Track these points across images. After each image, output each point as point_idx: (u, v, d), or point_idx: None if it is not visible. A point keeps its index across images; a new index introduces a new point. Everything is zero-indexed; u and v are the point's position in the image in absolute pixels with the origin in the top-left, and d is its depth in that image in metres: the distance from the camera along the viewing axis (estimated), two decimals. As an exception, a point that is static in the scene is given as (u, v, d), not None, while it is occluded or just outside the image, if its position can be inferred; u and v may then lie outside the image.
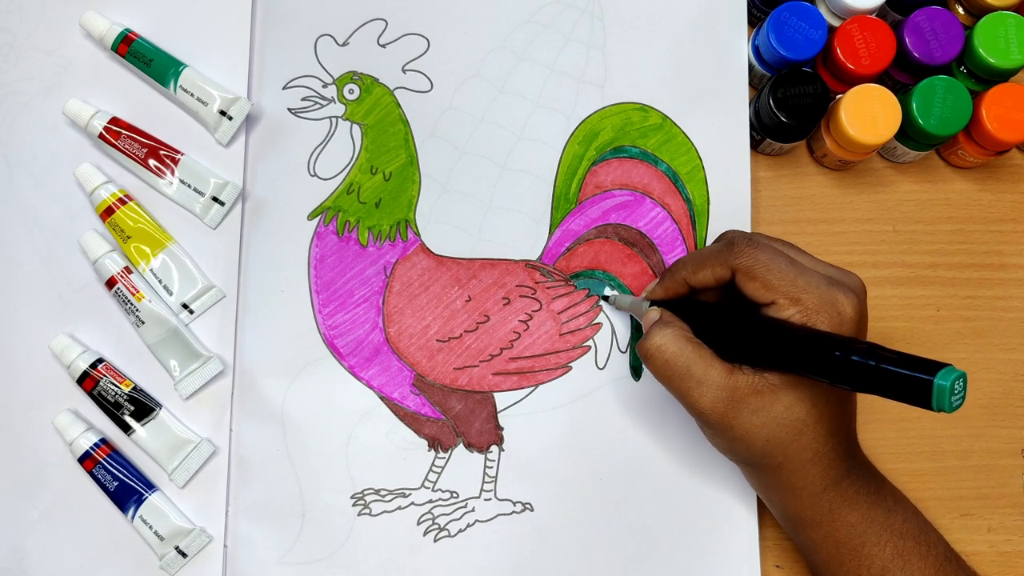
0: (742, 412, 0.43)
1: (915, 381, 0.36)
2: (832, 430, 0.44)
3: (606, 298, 0.54)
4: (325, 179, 0.55)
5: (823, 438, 0.44)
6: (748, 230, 0.55)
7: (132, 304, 0.53)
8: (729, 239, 0.47)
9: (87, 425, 0.52)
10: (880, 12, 0.56)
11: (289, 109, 0.55)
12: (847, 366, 0.39)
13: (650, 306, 0.49)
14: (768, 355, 0.43)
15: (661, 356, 0.45)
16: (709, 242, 0.55)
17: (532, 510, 0.53)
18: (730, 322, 0.45)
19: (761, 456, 0.45)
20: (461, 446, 0.54)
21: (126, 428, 0.52)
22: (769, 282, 0.44)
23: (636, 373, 0.54)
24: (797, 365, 0.41)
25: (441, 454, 0.54)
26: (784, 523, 0.49)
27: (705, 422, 0.45)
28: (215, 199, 0.54)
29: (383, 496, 0.53)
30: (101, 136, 0.54)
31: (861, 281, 0.46)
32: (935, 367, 0.36)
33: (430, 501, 0.53)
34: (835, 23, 0.55)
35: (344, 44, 0.56)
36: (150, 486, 0.52)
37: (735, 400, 0.43)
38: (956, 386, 0.36)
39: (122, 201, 0.54)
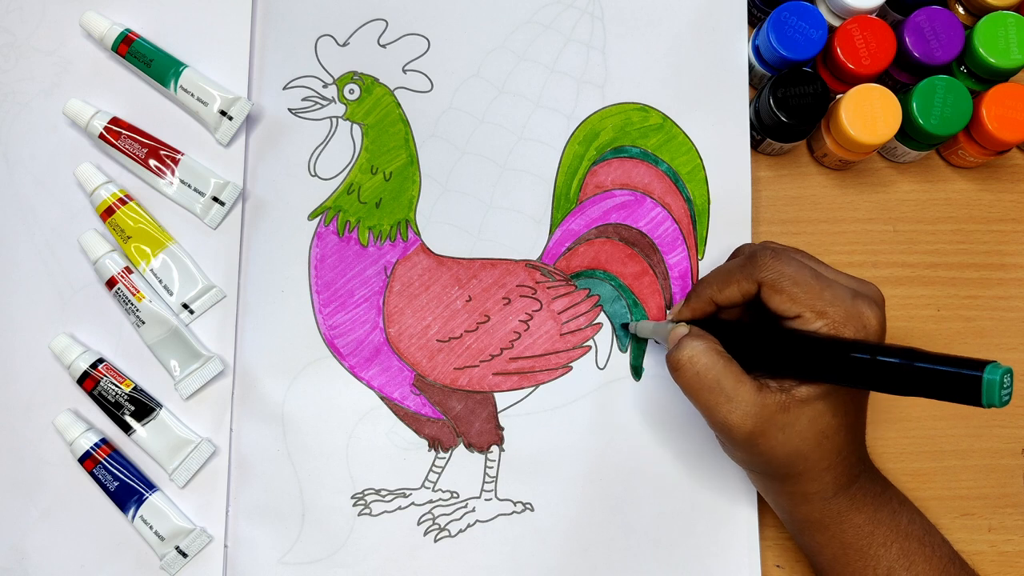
0: (770, 429, 0.43)
1: (964, 379, 0.37)
2: (849, 439, 0.44)
3: (626, 326, 0.54)
4: (325, 179, 0.55)
5: (839, 447, 0.44)
6: (748, 230, 0.55)
7: (132, 304, 0.53)
8: (750, 253, 0.46)
9: (87, 425, 0.52)
10: (880, 12, 0.56)
11: (289, 109, 0.55)
12: (892, 370, 0.39)
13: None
14: (806, 367, 0.43)
15: (692, 368, 0.45)
16: (710, 242, 0.55)
17: (532, 510, 0.53)
18: (762, 338, 0.45)
19: (781, 467, 0.45)
20: (461, 446, 0.54)
21: (126, 428, 0.52)
22: (795, 295, 0.44)
23: (636, 373, 0.54)
24: (839, 375, 0.41)
25: (441, 454, 0.54)
26: (789, 525, 0.49)
27: (730, 438, 0.45)
28: (215, 199, 0.54)
29: (383, 496, 0.53)
30: (101, 136, 0.54)
31: (880, 291, 0.45)
32: (981, 364, 0.36)
33: (430, 501, 0.53)
34: (835, 23, 0.55)
35: (344, 44, 0.56)
36: (150, 486, 0.52)
37: (764, 418, 0.43)
38: (1005, 380, 0.36)
39: (122, 201, 0.54)
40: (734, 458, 0.48)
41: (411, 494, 0.53)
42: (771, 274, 0.44)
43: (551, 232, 0.55)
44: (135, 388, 0.53)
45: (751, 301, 0.46)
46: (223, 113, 0.54)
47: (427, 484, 0.53)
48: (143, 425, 0.52)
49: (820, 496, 0.45)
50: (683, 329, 0.47)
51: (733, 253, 0.51)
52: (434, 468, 0.54)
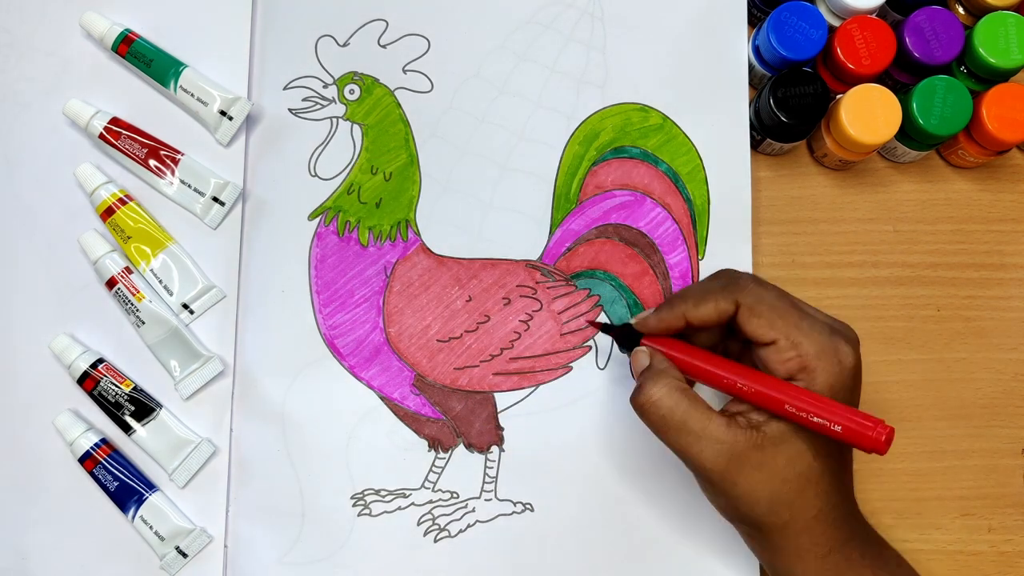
0: (744, 467, 0.42)
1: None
2: (834, 486, 0.44)
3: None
4: (326, 179, 0.55)
5: (825, 494, 0.43)
6: (748, 230, 0.55)
7: (132, 304, 0.53)
8: (731, 275, 0.46)
9: (87, 425, 0.52)
10: (880, 12, 0.56)
11: (290, 109, 0.55)
12: None
13: (640, 337, 0.47)
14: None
15: (656, 411, 0.44)
16: (710, 242, 0.55)
17: (532, 510, 0.53)
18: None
19: (766, 515, 0.43)
20: (461, 446, 0.54)
21: (126, 428, 0.52)
22: (773, 321, 0.43)
23: (636, 373, 0.54)
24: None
25: (441, 454, 0.54)
26: None
27: (707, 478, 0.44)
28: (215, 199, 0.54)
29: (383, 496, 0.53)
30: (101, 136, 0.54)
31: (855, 333, 0.45)
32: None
33: (430, 501, 0.53)
34: (835, 23, 0.55)
35: (345, 44, 0.56)
36: (150, 486, 0.52)
37: (736, 454, 0.42)
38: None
39: (122, 201, 0.54)
40: (718, 507, 0.46)
41: (411, 494, 0.53)
42: (751, 297, 0.44)
43: (551, 232, 0.55)
44: (135, 388, 0.53)
45: (723, 330, 0.46)
46: (223, 113, 0.54)
47: (427, 484, 0.53)
48: (143, 425, 0.52)
49: (814, 553, 0.44)
50: (644, 358, 0.46)
51: (713, 275, 0.48)
52: (434, 468, 0.54)
